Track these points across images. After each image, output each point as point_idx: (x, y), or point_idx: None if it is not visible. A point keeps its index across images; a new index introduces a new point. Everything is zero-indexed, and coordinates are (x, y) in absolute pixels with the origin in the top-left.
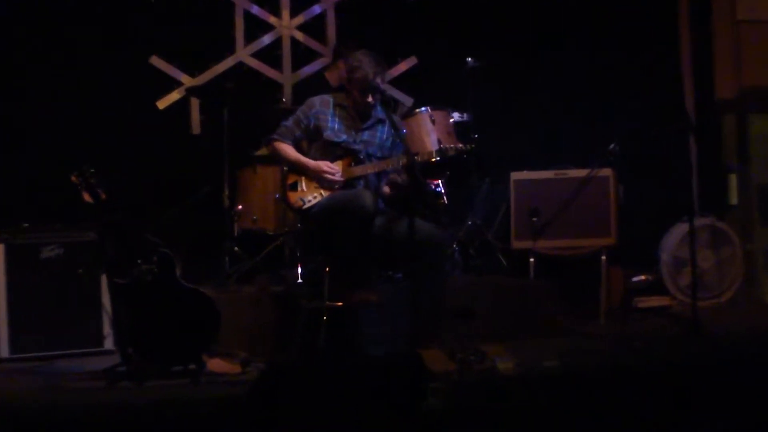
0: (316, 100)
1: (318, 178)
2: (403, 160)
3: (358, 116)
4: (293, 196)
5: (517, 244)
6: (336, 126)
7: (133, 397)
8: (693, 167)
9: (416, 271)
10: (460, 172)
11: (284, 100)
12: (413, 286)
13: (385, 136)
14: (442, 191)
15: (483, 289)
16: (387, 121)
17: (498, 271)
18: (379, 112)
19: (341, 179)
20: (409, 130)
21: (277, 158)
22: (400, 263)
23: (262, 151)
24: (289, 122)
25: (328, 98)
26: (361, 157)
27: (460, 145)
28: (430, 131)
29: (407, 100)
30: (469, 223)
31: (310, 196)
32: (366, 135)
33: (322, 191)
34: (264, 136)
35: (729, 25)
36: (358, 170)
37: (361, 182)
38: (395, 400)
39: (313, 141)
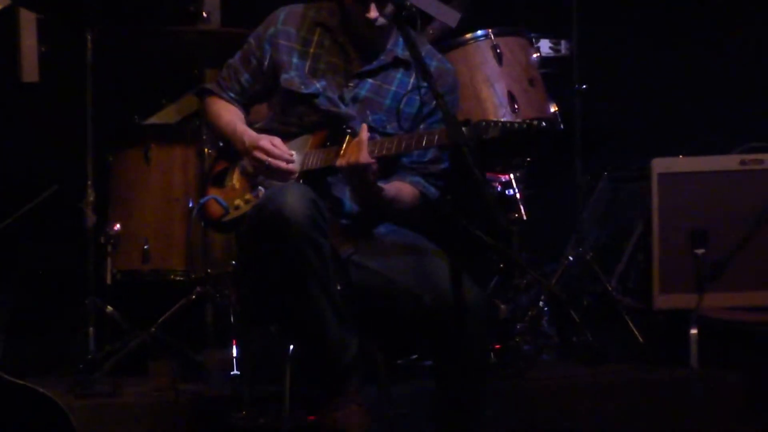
0: (280, 14)
1: (256, 167)
2: (439, 138)
3: (353, 49)
4: (213, 202)
5: (663, 302)
6: (305, 64)
7: None
8: None
9: (444, 362)
10: (552, 156)
11: (205, 14)
12: (439, 389)
13: (404, 93)
14: (517, 195)
15: (597, 390)
16: (413, 66)
17: (628, 353)
18: (398, 47)
19: (294, 169)
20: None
21: (207, 121)
22: (414, 341)
23: (167, 115)
24: (236, 59)
25: (299, 10)
26: (352, 130)
27: (553, 109)
28: (493, 78)
29: (450, 16)
30: (570, 258)
31: (239, 199)
32: (366, 87)
33: (260, 193)
34: (198, 87)
35: None
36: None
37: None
38: None
39: (273, 93)
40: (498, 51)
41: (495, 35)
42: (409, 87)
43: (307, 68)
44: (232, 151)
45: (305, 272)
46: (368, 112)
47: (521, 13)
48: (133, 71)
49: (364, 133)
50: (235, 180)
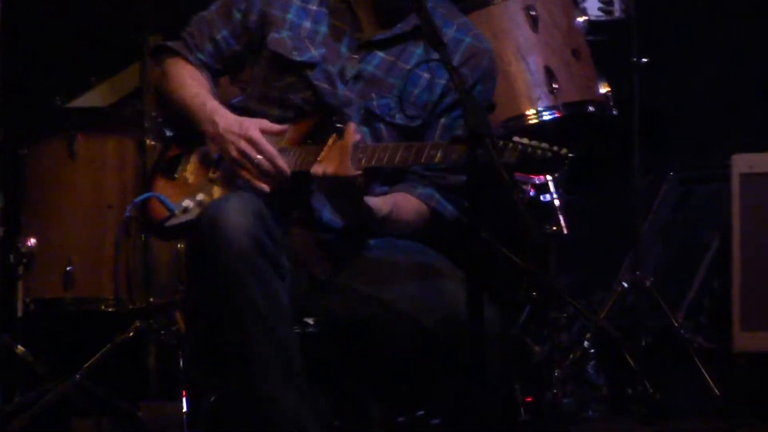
0: None
1: (235, 162)
2: (447, 153)
3: (366, 11)
4: (155, 200)
5: (745, 342)
6: (303, 23)
7: None
8: None
9: (456, 417)
10: (602, 151)
11: None
12: None
13: (421, 76)
14: (555, 202)
15: None
16: (430, 43)
17: (700, 408)
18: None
19: (287, 171)
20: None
21: (162, 98)
22: (419, 390)
23: (97, 96)
24: (212, 11)
25: None
26: (351, 119)
27: (604, 89)
28: (526, 48)
29: None
30: (625, 284)
31: (189, 199)
32: (374, 62)
33: (219, 193)
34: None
35: None
36: (340, 154)
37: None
38: None
39: (256, 58)
40: (532, 13)
41: None
42: (425, 72)
43: (304, 29)
44: (190, 133)
45: (242, 308)
46: (373, 95)
47: None
48: (53, 38)
49: (350, 136)
50: (189, 172)
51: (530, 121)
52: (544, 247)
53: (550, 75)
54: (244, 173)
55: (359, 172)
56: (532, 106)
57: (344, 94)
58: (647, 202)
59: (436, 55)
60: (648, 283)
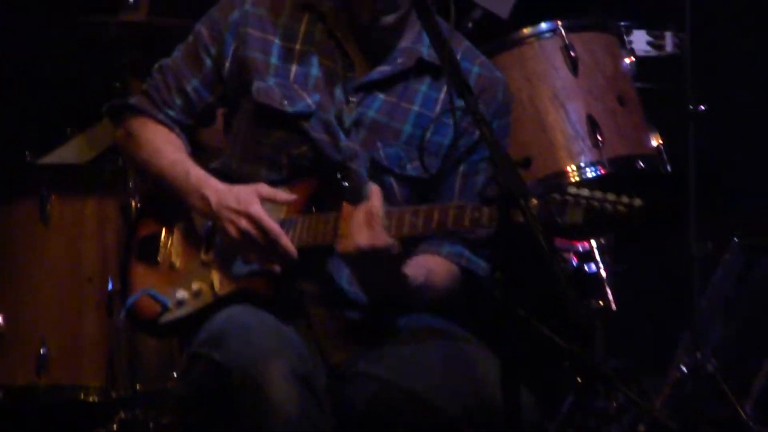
0: None
1: (236, 242)
2: (483, 215)
3: (355, 46)
4: (145, 298)
5: None
6: (290, 66)
7: None
8: None
9: None
10: (655, 214)
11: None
12: None
13: (432, 118)
14: (601, 272)
15: None
16: (444, 74)
17: None
18: (421, 45)
19: (294, 253)
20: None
21: (132, 165)
22: None
23: (74, 150)
24: (177, 58)
25: None
26: (360, 177)
27: (655, 142)
28: (565, 94)
29: (500, 2)
30: (683, 369)
31: (184, 290)
32: (375, 105)
33: (218, 279)
34: (108, 103)
35: None
36: (359, 227)
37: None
38: None
39: (236, 111)
40: (572, 54)
41: (567, 30)
42: (439, 106)
43: (292, 73)
44: (168, 205)
45: None
46: (378, 144)
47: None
48: (25, 85)
49: (376, 200)
50: (175, 255)
51: (571, 179)
52: (590, 325)
53: (592, 125)
54: (246, 255)
55: (393, 242)
56: (573, 161)
57: (348, 145)
58: (706, 272)
59: (454, 99)
60: (710, 368)
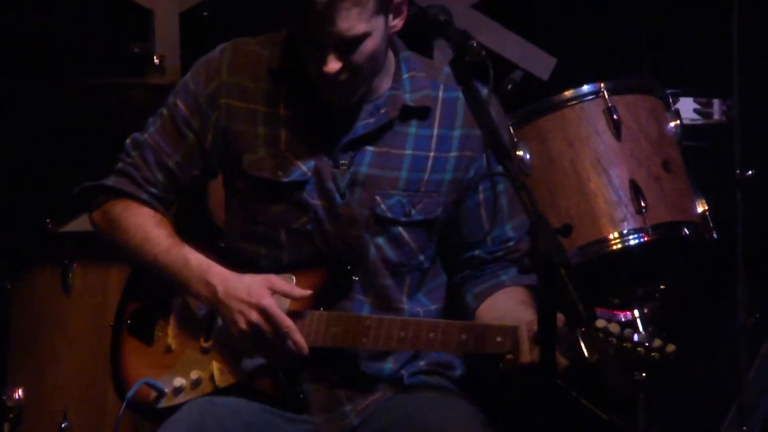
0: (222, 57)
1: (245, 336)
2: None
3: (335, 107)
4: (134, 364)
5: None
6: (279, 134)
7: None
8: None
9: None
10: (701, 283)
11: (157, 60)
12: None
13: (425, 157)
14: (646, 344)
15: None
16: (433, 111)
17: None
18: (402, 88)
19: (306, 349)
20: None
21: (118, 253)
22: None
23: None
24: (153, 132)
25: (250, 47)
26: (367, 266)
27: (701, 208)
28: (607, 159)
29: (540, 62)
30: None
31: (182, 377)
32: (366, 160)
33: (219, 369)
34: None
35: None
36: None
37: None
38: None
39: (229, 187)
40: (615, 117)
41: (610, 92)
42: (433, 142)
43: (282, 141)
44: (157, 290)
45: None
46: (378, 198)
47: (648, 61)
48: (45, 150)
49: None
50: (171, 337)
51: (613, 247)
52: (632, 398)
53: (636, 191)
54: (251, 349)
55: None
56: (616, 228)
57: (347, 210)
58: (754, 344)
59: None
60: None
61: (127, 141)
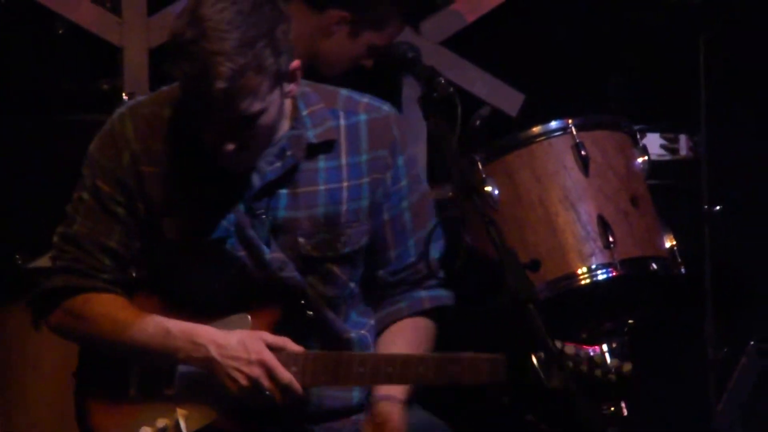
0: (125, 127)
1: (242, 390)
2: (492, 364)
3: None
4: (100, 418)
5: None
6: (190, 193)
7: None
8: None
9: None
10: (669, 319)
11: (125, 96)
12: None
13: (337, 189)
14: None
15: None
16: (338, 142)
17: None
18: (303, 125)
19: (302, 393)
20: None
21: (85, 341)
22: None
23: None
24: (80, 221)
25: (147, 110)
26: (317, 302)
27: (669, 243)
28: (575, 195)
29: (509, 99)
30: None
31: (147, 426)
32: (282, 203)
33: (184, 417)
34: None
35: None
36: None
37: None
38: None
39: (148, 263)
40: (583, 153)
41: (578, 128)
42: (344, 172)
43: (197, 200)
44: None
45: None
46: (301, 240)
47: (615, 97)
48: (14, 186)
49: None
50: (133, 384)
51: (582, 282)
52: (601, 431)
53: (604, 226)
54: (247, 400)
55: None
56: (584, 263)
57: (274, 257)
58: (723, 378)
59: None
60: None
61: (55, 239)
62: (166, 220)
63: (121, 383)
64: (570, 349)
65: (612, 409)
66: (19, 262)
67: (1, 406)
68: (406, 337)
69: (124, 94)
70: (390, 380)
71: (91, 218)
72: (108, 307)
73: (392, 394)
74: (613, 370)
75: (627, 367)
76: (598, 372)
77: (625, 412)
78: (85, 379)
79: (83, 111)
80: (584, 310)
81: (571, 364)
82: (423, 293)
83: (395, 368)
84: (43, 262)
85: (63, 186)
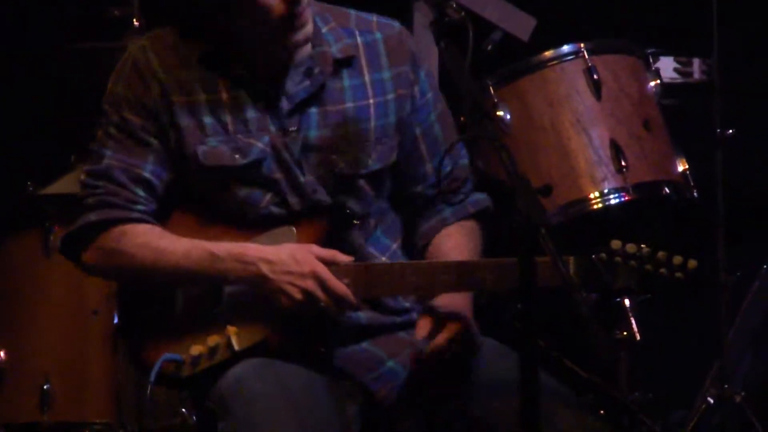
0: (149, 58)
1: (298, 304)
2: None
3: (260, 74)
4: (151, 338)
5: None
6: (225, 118)
7: None
8: None
9: None
10: (681, 242)
11: (137, 23)
12: None
13: (367, 105)
14: (625, 302)
15: None
16: (357, 59)
17: None
18: (327, 41)
19: (357, 304)
20: (518, 120)
21: (124, 277)
22: None
23: (78, 180)
24: (111, 154)
25: (169, 41)
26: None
27: (681, 167)
28: (587, 119)
29: (521, 24)
30: (710, 401)
31: (198, 344)
32: (312, 123)
33: (235, 334)
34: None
35: None
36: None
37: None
38: None
39: (181, 192)
40: (595, 77)
41: (590, 52)
42: (369, 88)
43: (230, 125)
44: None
45: None
46: (334, 157)
47: (628, 21)
48: (26, 113)
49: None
50: (183, 304)
51: (594, 206)
52: (613, 357)
53: (616, 151)
54: (302, 313)
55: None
56: (596, 187)
57: (308, 179)
58: (735, 302)
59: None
60: (738, 399)
61: (83, 177)
62: (199, 149)
63: (167, 311)
64: (632, 248)
65: (625, 333)
66: (31, 189)
67: (11, 330)
68: (458, 240)
69: (135, 21)
70: (446, 287)
71: (122, 151)
72: (147, 237)
73: (457, 307)
74: (678, 268)
75: (692, 263)
76: (663, 270)
77: (638, 337)
78: (130, 319)
79: (94, 38)
80: (596, 234)
81: (634, 263)
82: (463, 198)
83: (451, 275)
84: (54, 188)
85: (73, 113)
